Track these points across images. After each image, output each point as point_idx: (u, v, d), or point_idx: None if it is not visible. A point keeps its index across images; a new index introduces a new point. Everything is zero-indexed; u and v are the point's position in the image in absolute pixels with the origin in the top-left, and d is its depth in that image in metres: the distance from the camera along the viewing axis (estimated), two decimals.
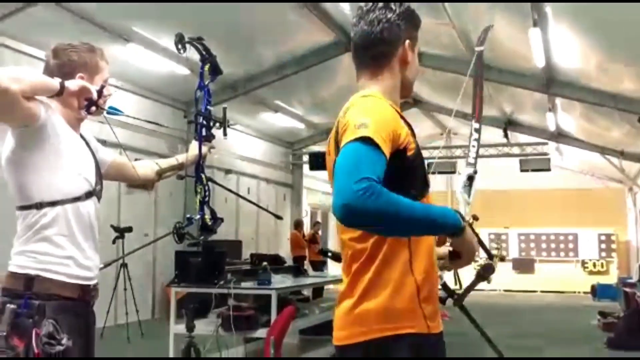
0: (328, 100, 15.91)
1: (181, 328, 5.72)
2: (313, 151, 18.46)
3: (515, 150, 18.04)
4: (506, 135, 17.66)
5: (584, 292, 19.57)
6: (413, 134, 1.98)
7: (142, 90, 12.17)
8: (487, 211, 17.21)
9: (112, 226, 9.68)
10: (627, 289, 12.39)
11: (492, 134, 18.55)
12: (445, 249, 2.10)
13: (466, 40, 10.97)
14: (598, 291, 18.33)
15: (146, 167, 2.93)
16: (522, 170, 17.59)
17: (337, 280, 9.18)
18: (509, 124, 17.39)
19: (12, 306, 2.18)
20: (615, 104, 11.54)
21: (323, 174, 19.58)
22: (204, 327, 5.92)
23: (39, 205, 2.29)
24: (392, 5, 2.04)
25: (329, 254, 4.06)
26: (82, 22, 9.21)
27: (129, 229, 9.88)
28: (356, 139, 1.77)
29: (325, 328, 7.28)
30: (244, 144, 16.22)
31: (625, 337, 9.28)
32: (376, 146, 1.77)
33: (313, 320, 7.27)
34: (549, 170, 17.17)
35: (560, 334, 11.01)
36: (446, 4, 9.23)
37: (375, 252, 1.92)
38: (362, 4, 2.07)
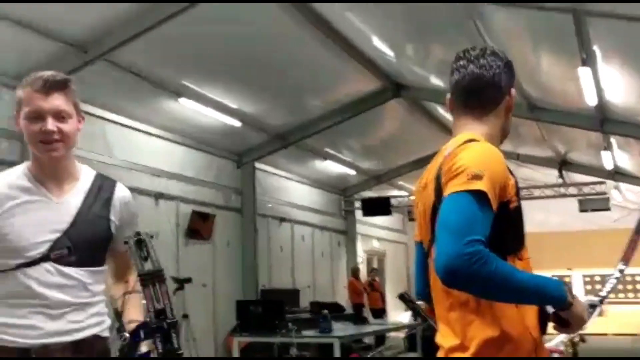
0: (376, 145, 16.02)
1: None
2: (365, 197, 18.50)
3: (572, 190, 17.63)
4: (561, 175, 17.32)
5: None
6: (517, 186, 1.93)
7: (195, 142, 12.44)
8: (548, 254, 16.86)
9: (172, 277, 9.83)
10: None
11: (547, 175, 18.29)
12: None
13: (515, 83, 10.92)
14: None
15: (117, 289, 2.68)
16: (581, 211, 17.17)
17: (399, 328, 9.03)
18: (563, 164, 17.08)
19: None
20: None
21: (376, 220, 19.59)
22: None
23: None
24: (499, 53, 2.10)
25: (408, 300, 3.97)
26: (132, 77, 9.51)
27: (189, 280, 10.01)
28: (468, 191, 1.74)
29: None
30: (296, 192, 16.37)
31: None
32: (487, 202, 1.74)
33: None
34: (608, 209, 16.73)
35: None
36: (490, 45, 9.24)
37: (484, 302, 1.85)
38: (469, 48, 2.10)
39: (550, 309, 1.87)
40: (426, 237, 2.02)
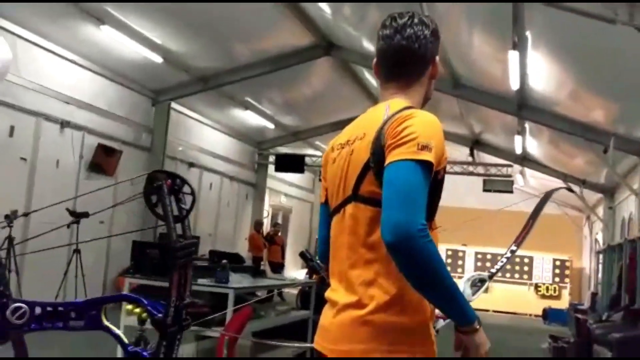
0: (299, 102, 15.83)
1: (132, 320, 5.50)
2: (280, 152, 18.33)
3: (480, 169, 18.19)
4: (472, 154, 17.81)
5: (535, 315, 19.87)
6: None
7: (112, 74, 11.92)
8: (447, 228, 17.33)
9: (67, 210, 9.39)
10: (579, 315, 12.57)
11: (458, 152, 18.75)
12: None
13: (443, 57, 10.96)
14: (549, 315, 18.62)
15: None
16: (484, 190, 17.78)
17: (295, 284, 9.13)
18: (476, 144, 17.54)
19: None
20: (583, 133, 11.64)
21: (287, 176, 19.52)
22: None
23: None
24: (426, 21, 2.09)
25: (309, 258, 3.92)
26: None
27: (85, 215, 9.60)
28: (418, 161, 1.78)
29: (279, 331, 7.18)
30: (210, 139, 16.02)
31: None
32: (431, 173, 1.81)
33: (269, 323, 7.12)
34: (511, 192, 17.38)
35: (509, 354, 11.06)
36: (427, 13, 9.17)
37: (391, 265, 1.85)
38: (396, 15, 2.08)
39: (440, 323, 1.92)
40: (342, 193, 2.01)
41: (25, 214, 7.08)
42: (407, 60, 2.06)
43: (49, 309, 2.54)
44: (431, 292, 1.78)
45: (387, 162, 1.82)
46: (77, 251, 9.45)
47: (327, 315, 2.01)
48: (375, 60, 2.14)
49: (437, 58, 2.12)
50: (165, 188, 2.64)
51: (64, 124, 10.71)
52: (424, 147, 1.78)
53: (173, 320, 2.53)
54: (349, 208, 1.97)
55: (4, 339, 2.51)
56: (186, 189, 2.83)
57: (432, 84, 2.15)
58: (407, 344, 1.85)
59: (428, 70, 2.10)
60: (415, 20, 2.06)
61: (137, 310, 2.58)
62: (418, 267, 1.72)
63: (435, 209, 1.95)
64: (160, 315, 2.51)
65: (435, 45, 2.10)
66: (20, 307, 2.45)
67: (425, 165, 1.77)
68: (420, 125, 1.84)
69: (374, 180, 1.88)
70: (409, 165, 1.77)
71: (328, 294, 2.05)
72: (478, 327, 1.84)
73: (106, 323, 2.56)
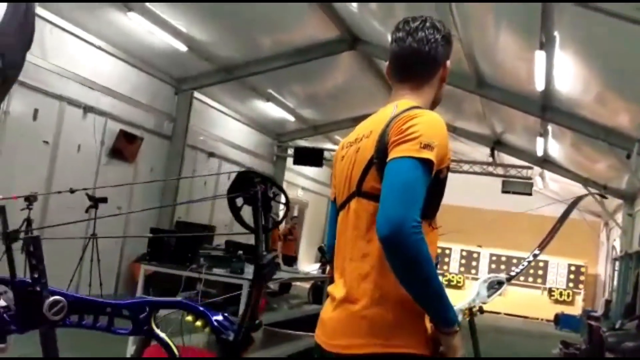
0: (321, 95, 15.79)
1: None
2: (299, 145, 18.32)
3: (499, 170, 18.05)
4: (492, 155, 17.68)
5: (547, 320, 19.74)
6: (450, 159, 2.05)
7: (136, 61, 11.96)
8: (463, 228, 17.31)
9: (86, 194, 9.44)
10: (592, 322, 12.43)
11: (478, 152, 18.62)
12: None
13: (469, 55, 10.88)
14: (561, 320, 18.50)
15: None
16: (503, 192, 17.64)
17: (309, 278, 9.14)
18: (497, 144, 17.40)
19: None
20: (607, 137, 11.50)
21: (306, 169, 19.50)
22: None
23: None
24: (438, 25, 2.16)
25: (324, 256, 3.91)
26: None
27: (104, 200, 9.66)
28: (420, 159, 1.82)
29: (291, 324, 7.18)
30: (230, 129, 16.04)
31: None
32: (431, 171, 1.85)
33: (281, 316, 7.14)
34: (530, 194, 17.22)
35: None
36: (456, 14, 9.09)
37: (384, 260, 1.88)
38: (409, 19, 2.16)
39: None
40: (347, 189, 2.06)
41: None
42: (418, 62, 2.13)
43: (90, 305, 2.24)
44: (417, 290, 1.81)
45: (389, 158, 1.86)
46: (93, 235, 9.50)
47: (326, 310, 2.07)
48: (387, 63, 2.21)
49: (449, 62, 2.18)
50: (259, 195, 2.41)
51: (87, 109, 10.77)
52: (427, 146, 1.83)
53: (241, 342, 2.26)
54: (353, 204, 2.03)
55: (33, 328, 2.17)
56: (280, 197, 2.64)
57: (442, 87, 2.21)
58: (402, 339, 1.89)
59: (438, 73, 2.17)
60: (428, 24, 2.14)
61: (199, 323, 2.23)
62: (407, 263, 1.75)
63: (436, 209, 2.00)
64: (229, 335, 2.20)
65: (447, 49, 2.17)
66: (58, 301, 2.13)
67: (426, 163, 1.82)
68: (424, 124, 1.89)
69: (377, 177, 1.93)
70: (410, 163, 1.82)
71: (330, 288, 2.11)
72: (457, 329, 1.89)
73: (157, 330, 2.25)
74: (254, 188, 2.39)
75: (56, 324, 2.15)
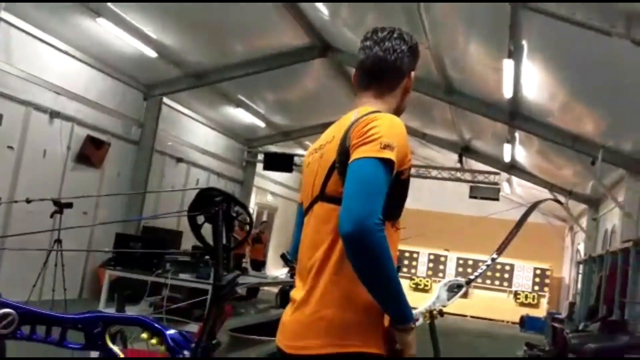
0: (291, 102, 15.79)
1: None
2: (269, 151, 18.29)
3: (467, 176, 18.25)
4: (460, 161, 17.88)
5: (513, 322, 20.01)
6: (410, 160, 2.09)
7: (105, 66, 11.82)
8: (431, 232, 17.47)
9: (52, 200, 9.28)
10: (556, 324, 12.66)
11: (447, 158, 18.81)
12: None
13: (439, 63, 10.99)
14: (526, 323, 18.77)
15: None
16: (471, 197, 17.83)
17: (278, 283, 9.10)
18: (465, 150, 17.60)
19: None
20: (573, 144, 11.70)
21: (275, 175, 19.46)
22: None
23: None
24: (405, 37, 2.21)
25: (288, 260, 3.90)
26: None
27: (69, 205, 9.52)
28: (380, 159, 1.86)
29: (257, 328, 7.14)
30: (200, 135, 15.93)
31: None
32: (392, 171, 1.89)
33: (247, 320, 7.09)
34: (497, 199, 17.45)
35: None
36: (426, 22, 9.18)
37: (344, 262, 1.90)
38: (378, 29, 2.21)
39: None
40: (311, 194, 2.10)
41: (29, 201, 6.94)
42: (383, 71, 2.18)
43: (42, 319, 2.16)
44: (377, 287, 1.84)
45: (351, 159, 1.90)
46: (58, 241, 9.34)
47: (286, 313, 2.09)
48: (354, 71, 2.26)
49: (413, 73, 2.23)
50: (221, 214, 2.35)
51: (54, 114, 10.60)
52: (387, 146, 1.87)
53: None
54: (316, 208, 2.06)
55: None
56: (243, 216, 2.54)
57: (406, 97, 2.25)
58: (359, 339, 1.91)
59: (402, 83, 2.22)
60: (395, 35, 2.19)
61: (154, 341, 2.14)
62: (369, 260, 1.78)
63: (399, 210, 2.04)
64: (184, 355, 2.13)
65: (412, 61, 2.23)
66: (8, 314, 2.07)
67: (387, 163, 1.86)
68: (384, 126, 1.93)
69: (339, 180, 1.95)
70: (371, 162, 1.85)
71: (292, 292, 2.13)
72: (413, 326, 1.93)
73: (110, 346, 2.18)
74: (215, 207, 2.34)
75: (5, 336, 2.12)
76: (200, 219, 2.42)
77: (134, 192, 12.70)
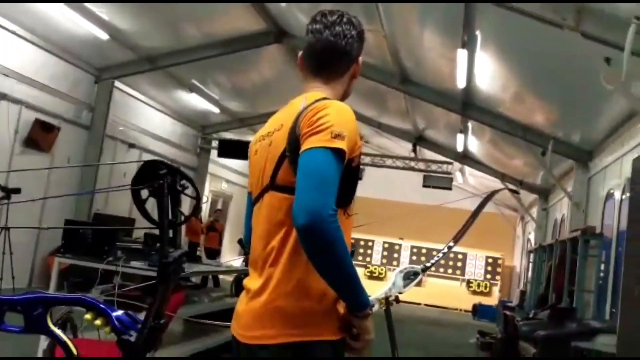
0: (247, 88, 15.66)
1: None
2: (224, 138, 18.11)
3: (421, 165, 18.44)
4: (414, 150, 18.05)
5: (466, 310, 20.35)
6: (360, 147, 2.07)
7: (55, 48, 11.49)
8: (385, 220, 17.59)
9: None
10: (507, 312, 12.90)
11: (401, 147, 18.96)
12: None
13: (394, 52, 11.02)
14: (479, 311, 19.10)
15: None
16: (424, 186, 18.04)
17: (231, 271, 9.06)
18: (419, 140, 17.77)
19: None
20: (524, 134, 11.92)
21: (230, 162, 19.30)
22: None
23: None
24: (354, 21, 2.18)
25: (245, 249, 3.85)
26: None
27: (17, 190, 9.26)
28: (332, 149, 1.85)
29: (213, 317, 7.09)
30: (152, 120, 15.67)
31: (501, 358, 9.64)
32: (343, 160, 1.88)
33: (202, 309, 7.03)
34: (450, 189, 17.67)
35: (437, 347, 11.29)
36: (382, 11, 9.19)
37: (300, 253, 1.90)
38: (327, 12, 2.15)
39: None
40: (261, 183, 2.08)
41: None
42: (333, 56, 2.14)
43: None
44: (333, 276, 1.85)
45: (302, 149, 1.88)
46: (5, 228, 9.08)
47: (241, 302, 2.09)
48: (300, 53, 2.20)
49: (360, 59, 2.22)
50: (166, 187, 2.24)
51: (0, 97, 10.27)
52: (337, 136, 1.86)
53: (144, 343, 2.07)
54: (267, 197, 2.04)
55: None
56: (190, 191, 2.46)
57: (352, 83, 2.24)
58: (315, 327, 1.92)
59: (351, 68, 2.20)
60: (345, 19, 2.15)
61: (98, 322, 2.03)
62: (324, 250, 1.79)
63: (351, 197, 2.03)
64: (131, 335, 2.02)
65: (360, 46, 2.20)
66: None
67: (338, 152, 1.85)
68: (334, 115, 1.91)
69: (290, 170, 1.94)
70: (323, 152, 1.84)
71: (245, 281, 2.12)
72: (370, 312, 1.94)
73: (52, 327, 2.07)
74: (160, 179, 2.22)
75: None
76: (145, 193, 2.30)
77: (82, 173, 12.34)
